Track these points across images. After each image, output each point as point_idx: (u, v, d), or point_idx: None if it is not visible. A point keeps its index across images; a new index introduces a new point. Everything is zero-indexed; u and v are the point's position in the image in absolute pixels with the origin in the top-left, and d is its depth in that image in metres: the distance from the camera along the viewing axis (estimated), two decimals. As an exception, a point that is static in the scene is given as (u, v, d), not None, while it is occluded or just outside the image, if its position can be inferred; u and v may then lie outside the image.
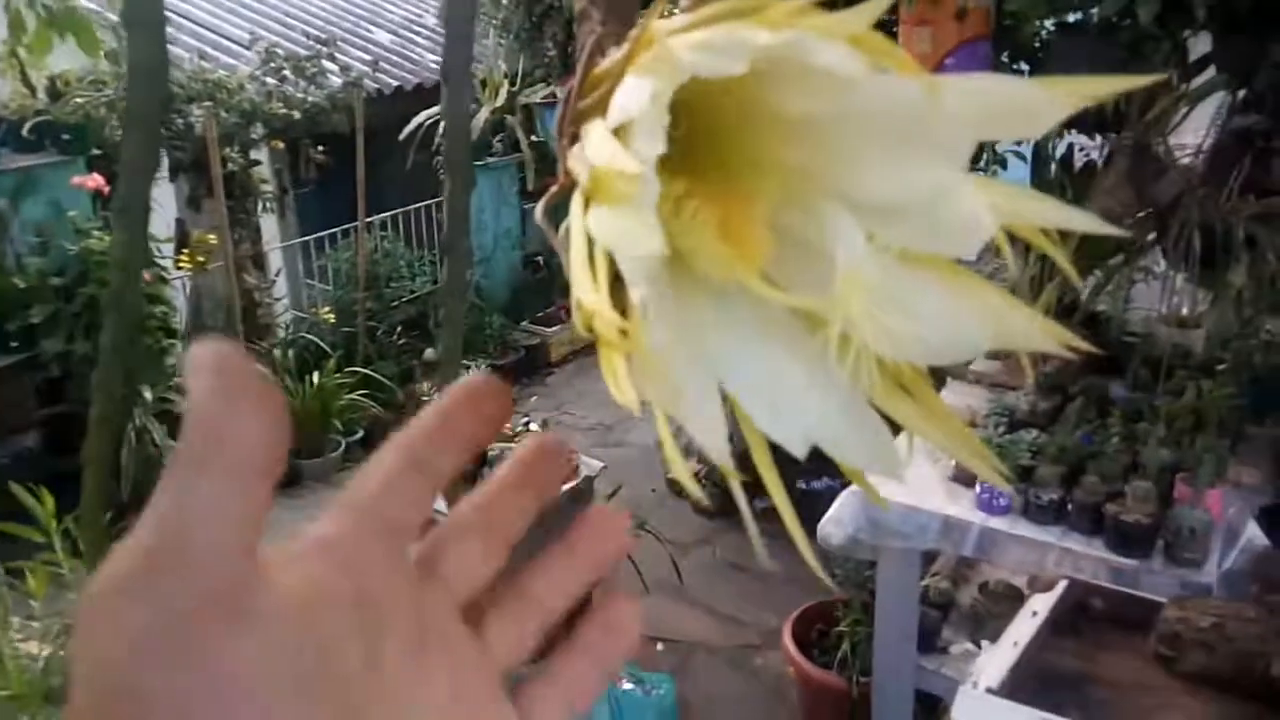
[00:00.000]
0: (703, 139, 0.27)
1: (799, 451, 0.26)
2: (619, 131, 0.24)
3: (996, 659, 1.43)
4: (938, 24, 1.97)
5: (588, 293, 0.23)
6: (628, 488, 3.05)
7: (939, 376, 2.90)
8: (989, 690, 1.32)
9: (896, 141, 0.24)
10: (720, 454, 0.25)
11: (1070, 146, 2.60)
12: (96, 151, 4.20)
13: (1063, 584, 1.62)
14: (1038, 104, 0.24)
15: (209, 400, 0.23)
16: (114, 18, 2.97)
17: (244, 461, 0.23)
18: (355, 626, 0.24)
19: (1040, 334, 0.26)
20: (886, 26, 2.89)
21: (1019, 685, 1.35)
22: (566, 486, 2.71)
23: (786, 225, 0.26)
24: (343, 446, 4.35)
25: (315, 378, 4.37)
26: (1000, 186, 0.25)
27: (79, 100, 4.14)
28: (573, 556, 0.30)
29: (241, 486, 0.23)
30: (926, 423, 0.27)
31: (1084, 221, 0.25)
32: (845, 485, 2.14)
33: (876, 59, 0.23)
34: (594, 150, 0.24)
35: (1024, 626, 1.53)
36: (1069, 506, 1.92)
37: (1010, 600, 2.26)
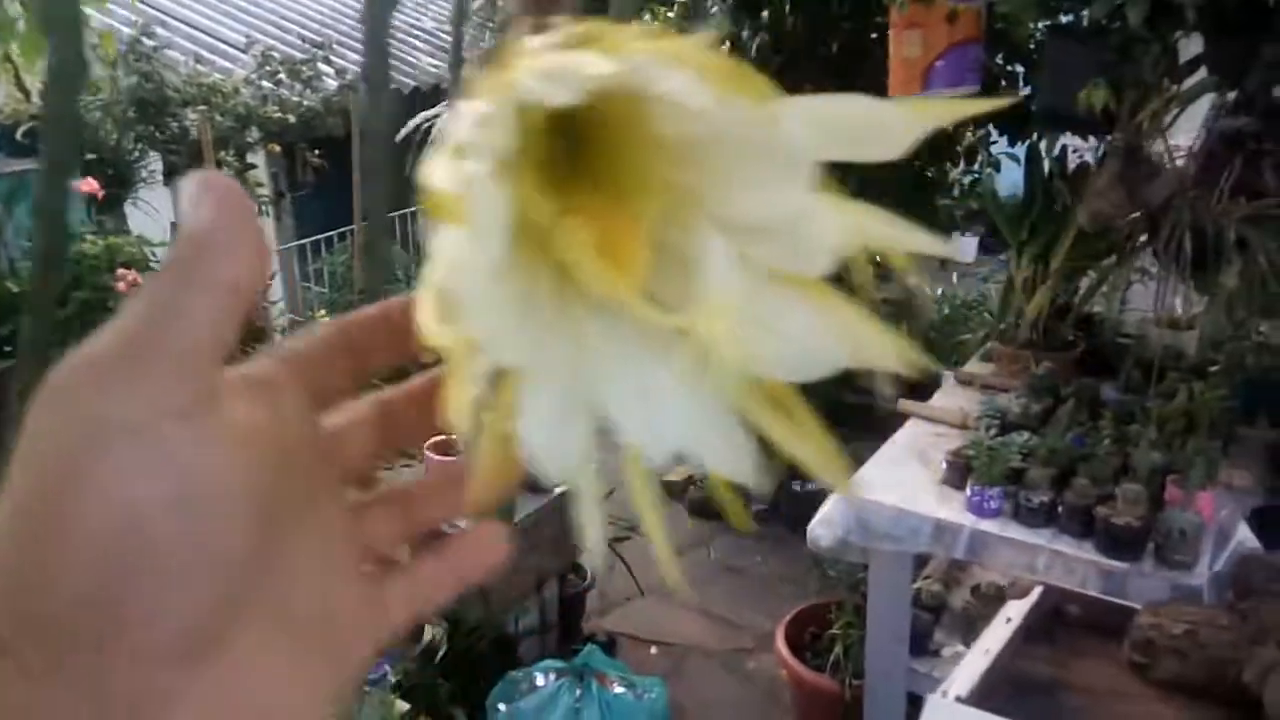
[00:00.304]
0: (590, 156, 0.27)
1: (659, 459, 0.27)
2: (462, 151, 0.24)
3: (968, 667, 1.43)
4: (928, 27, 1.97)
5: (422, 311, 0.24)
6: (621, 490, 3.03)
7: (932, 381, 2.91)
8: (958, 699, 1.31)
9: (755, 164, 0.25)
10: (560, 472, 0.26)
11: (1064, 149, 2.61)
12: (90, 156, 4.20)
13: (1038, 590, 1.61)
14: (892, 126, 0.25)
15: (199, 214, 0.24)
16: (107, 23, 2.97)
17: (225, 278, 0.23)
18: (274, 468, 0.25)
19: (892, 353, 0.27)
20: (879, 29, 2.90)
21: (990, 693, 1.34)
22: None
23: (670, 244, 0.27)
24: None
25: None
26: (854, 208, 0.26)
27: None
28: (446, 555, 0.31)
29: (219, 302, 0.23)
30: (794, 437, 0.28)
31: (928, 243, 0.26)
32: (838, 488, 2.14)
33: (726, 85, 0.24)
34: (427, 169, 0.24)
35: (997, 633, 1.53)
36: (1059, 509, 1.92)
37: (1002, 603, 2.26)
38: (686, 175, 0.26)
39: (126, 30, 4.46)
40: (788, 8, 2.86)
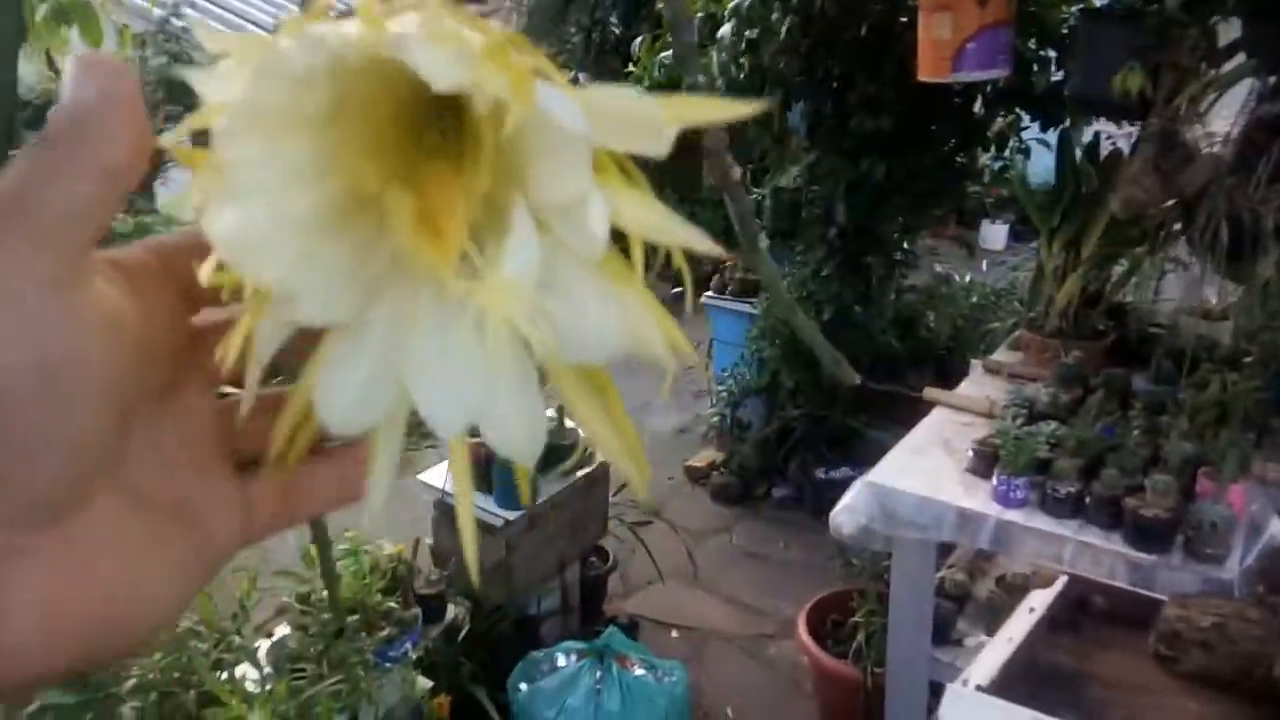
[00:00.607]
0: (441, 132, 0.28)
1: (448, 429, 0.27)
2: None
3: (989, 656, 1.41)
4: (959, 9, 1.94)
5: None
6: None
7: (960, 369, 2.88)
8: (979, 688, 1.30)
9: (541, 149, 0.25)
10: (347, 427, 0.27)
11: (1097, 134, 2.56)
12: (122, 135, 4.24)
13: (1062, 580, 1.59)
14: (651, 122, 0.25)
15: (81, 92, 0.23)
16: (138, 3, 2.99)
17: (102, 161, 0.23)
18: (136, 352, 0.25)
19: (668, 347, 0.27)
20: (908, 11, 2.87)
21: (1011, 683, 1.33)
22: (583, 472, 2.71)
23: (502, 215, 0.27)
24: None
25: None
26: (630, 197, 0.26)
27: (105, 84, 4.18)
28: (322, 464, 0.31)
29: (93, 183, 0.23)
30: (593, 417, 0.28)
31: (696, 239, 0.26)
32: (863, 473, 2.13)
33: (497, 64, 0.24)
34: (173, 133, 0.25)
35: (1020, 623, 1.51)
36: (1087, 500, 1.89)
37: (1027, 593, 2.24)
38: (510, 155, 0.26)
39: (157, 11, 4.48)
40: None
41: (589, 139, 0.24)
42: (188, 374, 0.29)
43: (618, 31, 4.55)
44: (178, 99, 4.48)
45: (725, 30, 2.94)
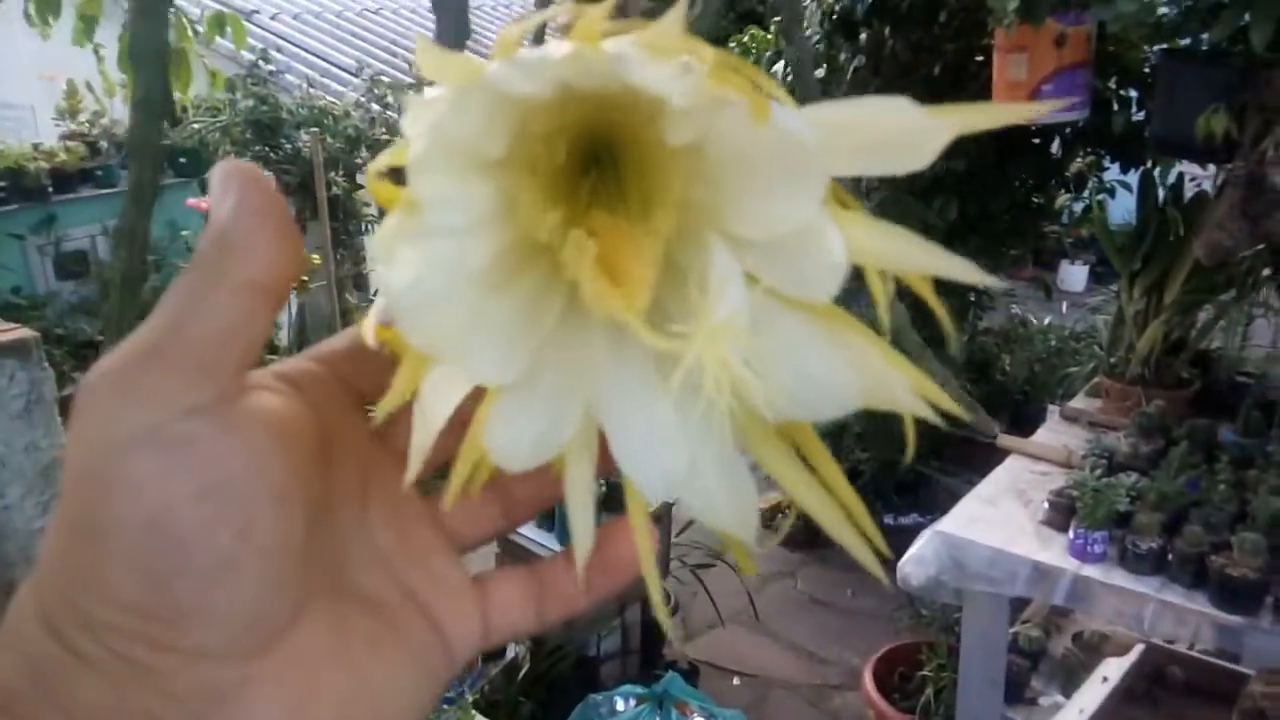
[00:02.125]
0: (608, 172, 0.26)
1: (652, 498, 0.25)
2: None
3: (1061, 729, 1.35)
4: (1035, 49, 1.90)
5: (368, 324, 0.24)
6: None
7: (1036, 414, 2.79)
8: (1048, 763, 1.24)
9: (762, 174, 0.23)
10: (519, 465, 0.25)
11: (1180, 176, 2.48)
12: (208, 175, 4.41)
13: (1139, 649, 1.52)
14: (916, 132, 0.22)
15: (229, 213, 0.23)
16: (227, 48, 3.12)
17: (245, 276, 0.23)
18: (315, 455, 0.25)
19: (913, 397, 0.24)
20: (984, 51, 2.83)
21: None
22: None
23: (685, 257, 0.25)
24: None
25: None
26: (865, 224, 0.23)
27: (195, 126, 4.36)
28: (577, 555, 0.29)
29: (245, 303, 0.23)
30: (798, 481, 0.26)
31: (959, 268, 0.23)
32: (932, 521, 2.07)
33: (724, 82, 0.21)
34: (373, 164, 0.23)
35: (1093, 693, 1.44)
36: (1169, 557, 1.81)
37: (1106, 652, 2.14)
38: (701, 187, 0.24)
39: (247, 55, 4.67)
40: (888, 30, 2.81)
41: (822, 160, 0.22)
42: (383, 470, 0.28)
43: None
44: (264, 140, 4.65)
45: (778, 69, 2.93)
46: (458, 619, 0.28)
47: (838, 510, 0.26)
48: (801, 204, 0.23)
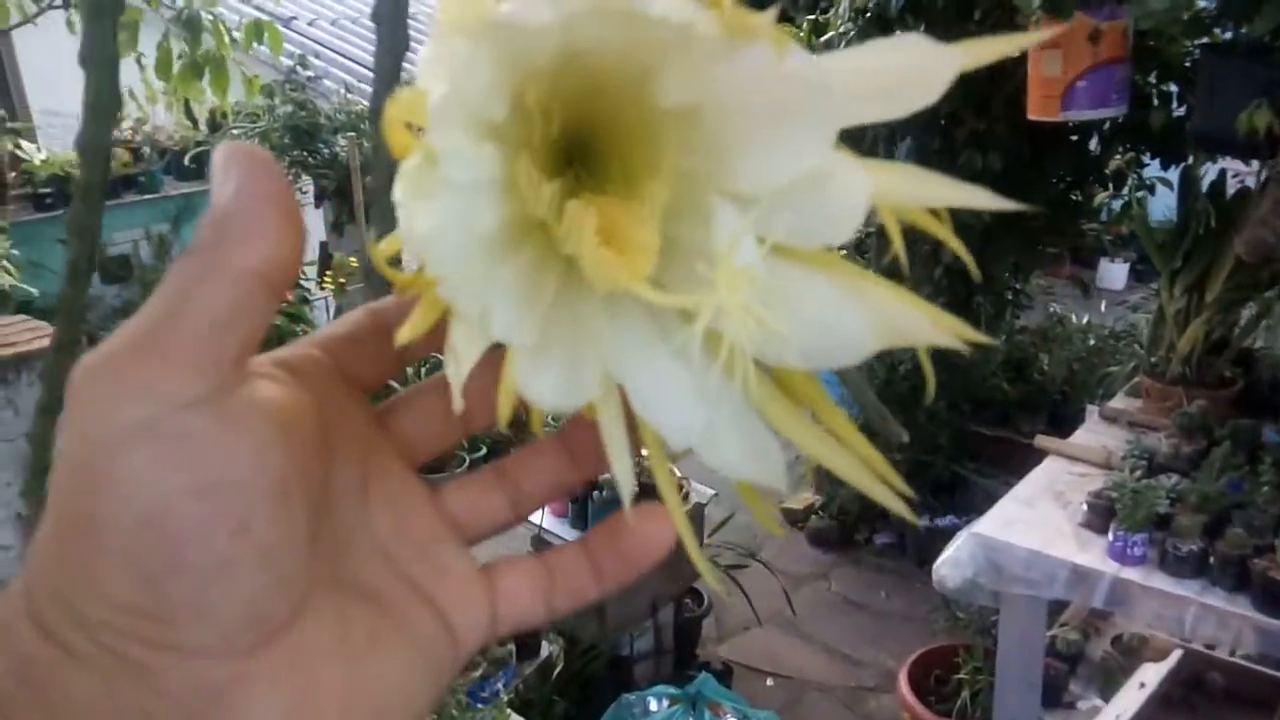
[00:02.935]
0: (603, 144, 0.26)
1: (678, 446, 0.25)
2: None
3: (1096, 734, 1.33)
4: (1069, 45, 1.87)
5: (378, 254, 0.24)
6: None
7: (1074, 415, 2.75)
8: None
9: (770, 121, 0.23)
10: (556, 408, 0.25)
11: (1222, 173, 2.44)
12: (249, 179, 4.46)
13: (1176, 654, 1.49)
14: (925, 65, 0.22)
15: (231, 197, 0.22)
16: (264, 54, 3.17)
17: (245, 264, 0.22)
18: (316, 446, 0.24)
19: (935, 331, 0.24)
20: (1020, 48, 2.79)
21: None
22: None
23: (681, 228, 0.25)
24: (466, 463, 4.47)
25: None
26: (883, 166, 0.23)
27: (235, 132, 4.42)
28: (590, 545, 0.29)
29: (245, 292, 0.22)
30: (811, 435, 0.26)
31: (979, 197, 0.23)
32: (969, 523, 2.05)
33: (739, 19, 0.21)
34: (389, 110, 0.23)
35: (1130, 699, 1.42)
36: (1211, 559, 1.78)
37: (1146, 656, 2.11)
38: (694, 155, 0.24)
39: (285, 61, 4.74)
40: (922, 27, 2.79)
41: (838, 100, 0.22)
42: (383, 458, 0.27)
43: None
44: (302, 145, 4.71)
45: None
46: (463, 608, 0.27)
47: (856, 460, 0.26)
48: (813, 146, 0.23)
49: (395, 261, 0.25)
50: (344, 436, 0.26)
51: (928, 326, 0.24)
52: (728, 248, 0.23)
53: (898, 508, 0.26)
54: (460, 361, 0.23)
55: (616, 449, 0.25)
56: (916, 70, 0.22)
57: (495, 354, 0.24)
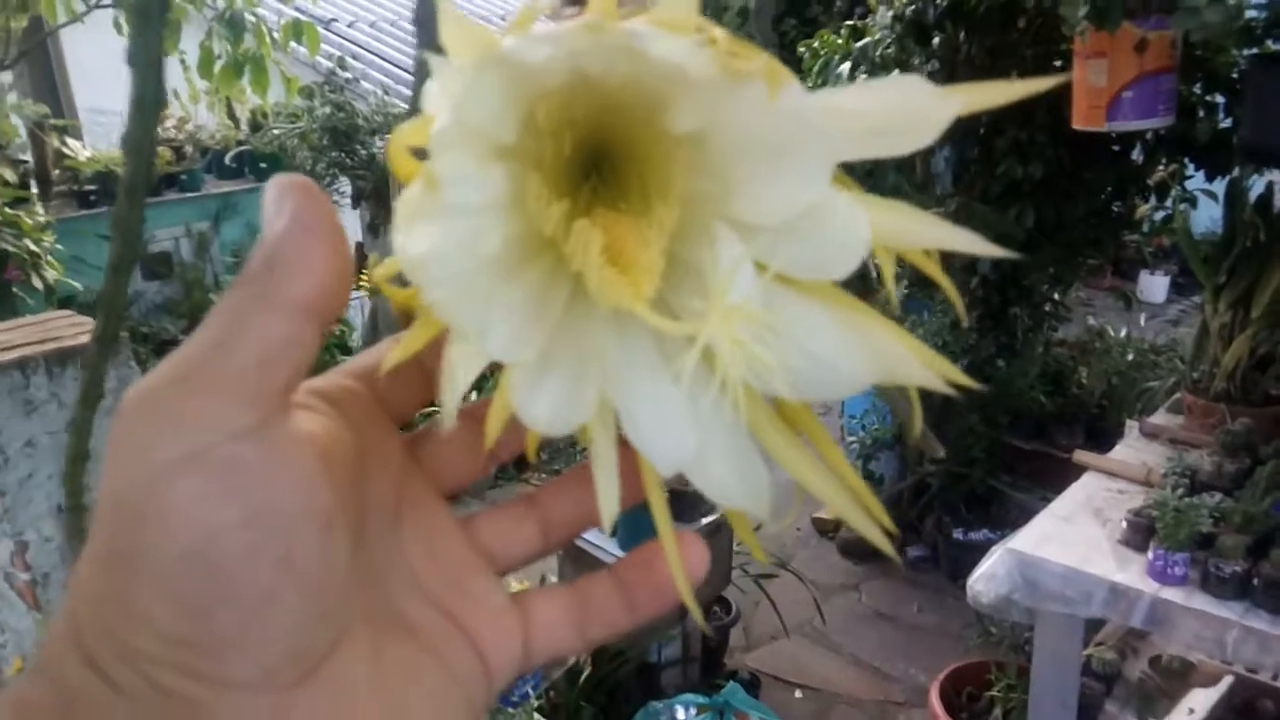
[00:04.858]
0: (612, 165, 0.26)
1: (665, 472, 0.25)
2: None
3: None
4: (1115, 55, 1.84)
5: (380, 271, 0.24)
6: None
7: (1114, 430, 2.71)
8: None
9: (770, 156, 0.23)
10: (550, 430, 0.25)
11: (1270, 185, 2.39)
12: (288, 179, 4.52)
13: (1227, 680, 1.46)
14: (922, 108, 0.22)
15: (281, 230, 0.22)
16: (293, 58, 3.21)
17: (294, 296, 0.22)
18: (355, 477, 0.25)
19: (927, 373, 0.24)
20: (1063, 56, 2.76)
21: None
22: (705, 520, 2.68)
23: (689, 247, 0.25)
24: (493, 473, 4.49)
25: (474, 396, 4.53)
26: (878, 203, 0.24)
27: (275, 132, 4.48)
28: (619, 575, 0.29)
29: (287, 322, 0.22)
30: (804, 464, 0.26)
31: (966, 241, 0.23)
32: (1003, 537, 2.02)
33: (734, 61, 0.22)
34: (394, 138, 0.23)
35: (1179, 726, 1.38)
36: (1255, 581, 1.74)
37: (1184, 678, 2.07)
38: (704, 179, 0.24)
39: (324, 62, 4.79)
40: (962, 35, 2.76)
41: (833, 139, 0.22)
42: (416, 487, 0.28)
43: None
44: (340, 146, 4.75)
45: (844, 69, 2.88)
46: (497, 641, 0.27)
47: (845, 491, 0.26)
48: (811, 183, 0.23)
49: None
50: (379, 468, 0.26)
51: (919, 368, 0.24)
52: (724, 280, 0.23)
53: (881, 543, 0.25)
54: (455, 383, 0.23)
55: (604, 474, 0.25)
56: (914, 113, 0.22)
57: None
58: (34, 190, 3.81)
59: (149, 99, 0.53)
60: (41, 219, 3.44)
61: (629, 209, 0.26)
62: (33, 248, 3.22)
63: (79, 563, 0.22)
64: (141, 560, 0.21)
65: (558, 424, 0.25)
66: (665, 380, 0.25)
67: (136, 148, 0.56)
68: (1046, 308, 3.37)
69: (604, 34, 0.22)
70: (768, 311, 0.23)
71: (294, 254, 0.22)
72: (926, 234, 0.24)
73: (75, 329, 1.83)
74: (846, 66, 2.87)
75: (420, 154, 0.23)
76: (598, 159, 0.26)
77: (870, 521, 0.26)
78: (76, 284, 3.78)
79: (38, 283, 3.24)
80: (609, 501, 0.25)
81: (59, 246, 3.58)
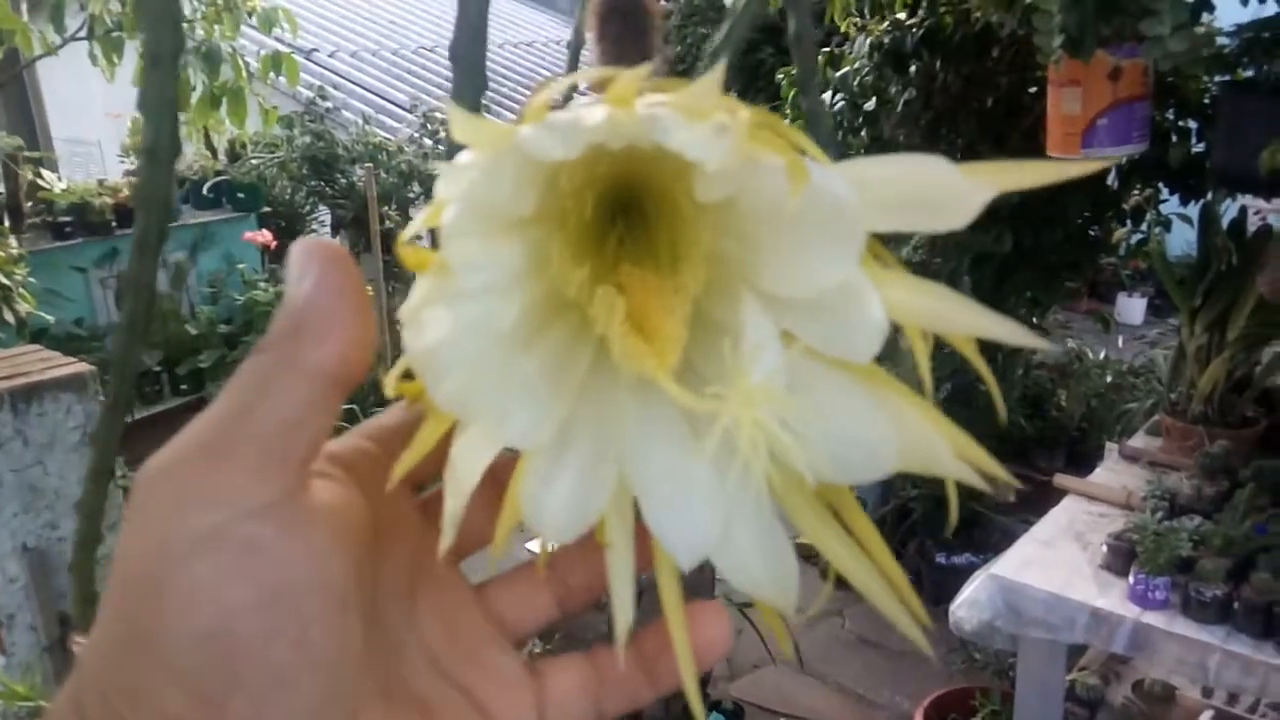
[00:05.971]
0: (636, 228, 0.25)
1: (685, 564, 0.24)
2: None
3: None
4: (1088, 83, 1.86)
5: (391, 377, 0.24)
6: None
7: (1093, 452, 2.71)
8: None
9: (797, 233, 0.22)
10: (560, 535, 0.24)
11: (1243, 210, 2.42)
12: (266, 209, 4.50)
13: (1208, 715, 1.45)
14: (955, 193, 0.21)
15: (307, 294, 0.22)
16: (272, 90, 3.20)
17: (318, 362, 0.22)
18: (369, 549, 0.24)
19: (956, 462, 0.23)
20: (1038, 83, 2.79)
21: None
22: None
23: (716, 307, 0.24)
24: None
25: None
26: (905, 282, 0.23)
27: (254, 162, 4.46)
28: (642, 649, 0.28)
29: (316, 391, 0.21)
30: (839, 545, 0.25)
31: (1007, 331, 0.22)
32: (985, 561, 2.02)
33: (760, 141, 0.21)
34: (405, 231, 0.23)
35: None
36: (1235, 605, 1.74)
37: (1167, 703, 2.06)
38: (731, 241, 0.24)
39: (305, 92, 4.79)
40: (939, 63, 2.78)
41: (860, 220, 0.22)
42: (429, 556, 0.26)
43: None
44: (320, 175, 4.74)
45: (824, 98, 2.91)
46: (511, 714, 0.26)
47: (878, 577, 0.25)
48: (838, 264, 0.22)
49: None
50: (393, 535, 0.26)
51: (951, 457, 0.24)
52: (747, 360, 0.22)
53: (915, 635, 0.25)
54: (460, 482, 0.23)
55: (620, 580, 0.24)
56: (947, 194, 0.22)
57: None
58: (6, 223, 3.78)
59: (162, 147, 0.51)
60: (14, 251, 3.41)
61: (657, 263, 0.25)
62: (4, 281, 3.19)
63: (88, 641, 0.21)
64: (155, 642, 0.20)
65: (573, 517, 0.24)
66: (690, 454, 0.24)
67: (149, 199, 0.54)
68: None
69: (622, 125, 0.21)
70: (795, 390, 0.23)
71: (320, 319, 0.22)
72: (963, 320, 0.23)
73: (44, 364, 1.80)
74: (826, 96, 2.89)
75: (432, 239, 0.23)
76: (625, 206, 0.26)
77: (903, 609, 0.25)
78: (49, 317, 3.74)
79: (9, 316, 3.20)
80: (624, 611, 0.24)
81: (32, 279, 3.54)
